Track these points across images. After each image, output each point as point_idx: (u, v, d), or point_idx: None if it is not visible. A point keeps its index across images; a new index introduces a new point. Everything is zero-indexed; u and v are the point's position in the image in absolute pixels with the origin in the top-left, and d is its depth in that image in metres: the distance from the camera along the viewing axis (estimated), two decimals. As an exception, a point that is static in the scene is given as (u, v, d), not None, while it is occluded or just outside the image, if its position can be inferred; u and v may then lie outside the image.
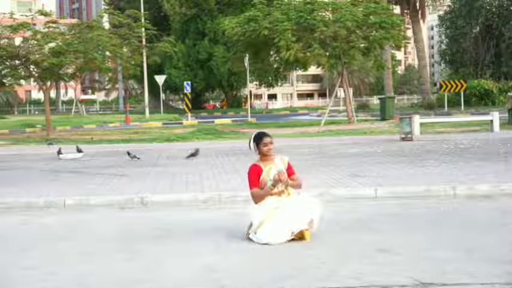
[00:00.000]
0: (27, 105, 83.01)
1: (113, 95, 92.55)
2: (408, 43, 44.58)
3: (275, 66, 34.26)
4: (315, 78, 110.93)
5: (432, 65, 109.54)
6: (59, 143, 23.11)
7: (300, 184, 7.01)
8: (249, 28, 29.67)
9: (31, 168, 14.35)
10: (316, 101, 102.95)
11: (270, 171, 6.87)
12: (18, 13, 31.72)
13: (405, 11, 51.52)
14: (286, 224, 6.67)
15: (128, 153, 15.59)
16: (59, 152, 16.60)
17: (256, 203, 6.91)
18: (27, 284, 5.58)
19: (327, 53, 29.91)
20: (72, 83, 49.99)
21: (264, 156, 6.96)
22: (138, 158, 15.21)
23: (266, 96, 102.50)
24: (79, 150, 16.86)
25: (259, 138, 6.99)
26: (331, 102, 37.33)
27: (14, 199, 9.86)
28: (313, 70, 46.11)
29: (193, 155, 15.27)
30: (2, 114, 56.22)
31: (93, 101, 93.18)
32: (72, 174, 13.01)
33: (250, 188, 6.95)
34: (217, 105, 77.73)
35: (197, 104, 62.94)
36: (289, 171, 6.98)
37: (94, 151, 18.71)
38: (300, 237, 6.78)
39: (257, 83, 64.70)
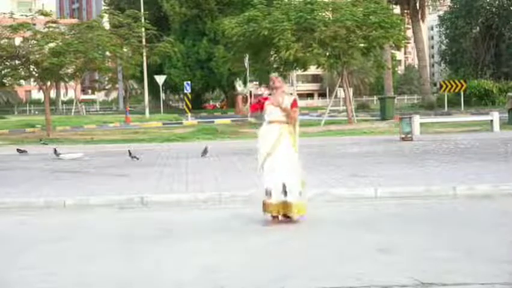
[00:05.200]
0: (27, 105, 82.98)
1: (113, 95, 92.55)
2: (408, 43, 44.47)
3: (275, 66, 34.18)
4: (315, 78, 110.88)
5: (432, 65, 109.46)
6: (59, 143, 23.11)
7: (292, 117, 7.75)
8: (248, 28, 29.64)
9: (31, 168, 14.34)
10: (316, 101, 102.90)
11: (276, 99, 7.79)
12: (18, 13, 31.63)
13: (405, 11, 51.49)
14: (279, 177, 7.53)
15: (129, 152, 15.58)
16: (55, 152, 16.60)
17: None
18: (26, 284, 5.57)
19: (327, 53, 29.89)
20: (72, 83, 49.90)
21: (275, 88, 7.94)
22: (137, 158, 15.20)
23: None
24: (58, 154, 16.72)
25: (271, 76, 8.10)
26: (331, 102, 37.28)
27: (14, 199, 9.86)
28: (313, 70, 46.02)
29: (205, 152, 15.40)
30: (2, 114, 56.13)
31: (93, 101, 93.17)
32: (72, 174, 13.01)
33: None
34: (217, 105, 77.65)
35: (197, 104, 62.86)
36: (292, 106, 7.80)
37: (94, 151, 18.70)
38: (296, 212, 7.58)
39: (257, 83, 64.65)
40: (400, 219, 7.91)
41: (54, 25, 28.62)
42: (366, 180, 10.58)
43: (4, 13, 29.52)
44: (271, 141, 7.65)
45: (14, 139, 26.74)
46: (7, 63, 28.73)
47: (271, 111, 7.78)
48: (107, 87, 76.00)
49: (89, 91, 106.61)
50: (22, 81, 34.61)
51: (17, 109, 77.57)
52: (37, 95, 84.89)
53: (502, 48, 56.67)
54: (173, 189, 10.32)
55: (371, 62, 39.19)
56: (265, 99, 8.01)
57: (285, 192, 7.48)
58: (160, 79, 48.63)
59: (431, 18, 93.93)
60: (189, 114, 41.87)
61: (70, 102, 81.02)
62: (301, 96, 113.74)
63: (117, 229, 7.85)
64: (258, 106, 7.99)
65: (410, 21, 51.60)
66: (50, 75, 28.39)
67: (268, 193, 7.57)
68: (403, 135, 19.32)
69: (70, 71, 29.82)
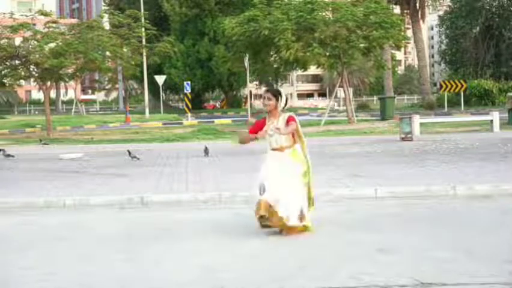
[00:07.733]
0: (27, 105, 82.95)
1: (113, 95, 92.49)
2: (408, 43, 44.48)
3: (275, 66, 34.19)
4: (315, 78, 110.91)
5: (432, 65, 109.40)
6: (59, 143, 23.13)
7: (284, 132, 7.09)
8: (249, 28, 29.65)
9: (31, 168, 14.34)
10: (317, 101, 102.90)
11: (271, 125, 7.23)
12: (18, 13, 31.67)
13: (405, 11, 51.48)
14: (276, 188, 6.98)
15: (129, 152, 15.58)
16: (4, 152, 16.67)
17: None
18: (26, 284, 5.58)
19: (327, 53, 29.90)
20: (72, 83, 49.90)
21: (268, 111, 7.35)
22: (138, 159, 15.20)
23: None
24: (7, 155, 16.68)
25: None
26: (331, 102, 37.29)
27: (13, 199, 9.86)
28: (313, 70, 46.05)
29: (206, 152, 15.45)
30: (2, 114, 56.10)
31: (93, 101, 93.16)
32: (72, 174, 13.00)
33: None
34: (217, 105, 77.58)
35: (197, 104, 62.79)
36: (288, 121, 7.24)
37: (94, 151, 18.70)
38: (302, 230, 7.09)
39: (257, 83, 64.63)
40: (400, 219, 7.91)
41: (54, 25, 28.63)
42: (366, 180, 10.58)
43: (4, 13, 29.53)
44: (272, 165, 7.15)
45: (16, 139, 26.75)
46: (7, 63, 28.74)
47: (270, 141, 7.24)
48: (107, 87, 75.97)
49: (89, 91, 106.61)
50: (22, 81, 34.61)
51: (17, 109, 77.50)
52: (37, 95, 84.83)
53: (502, 48, 56.65)
54: (174, 189, 10.32)
55: (371, 62, 39.13)
56: (263, 122, 7.37)
57: (284, 209, 6.95)
58: (160, 79, 48.63)
59: (431, 18, 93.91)
60: (189, 114, 41.85)
61: (70, 102, 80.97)
62: (301, 96, 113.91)
63: (117, 229, 7.85)
64: (257, 128, 7.36)
65: (410, 21, 51.62)
66: (50, 75, 28.39)
67: (261, 190, 7.04)
68: (403, 135, 19.32)
69: (70, 71, 29.85)
